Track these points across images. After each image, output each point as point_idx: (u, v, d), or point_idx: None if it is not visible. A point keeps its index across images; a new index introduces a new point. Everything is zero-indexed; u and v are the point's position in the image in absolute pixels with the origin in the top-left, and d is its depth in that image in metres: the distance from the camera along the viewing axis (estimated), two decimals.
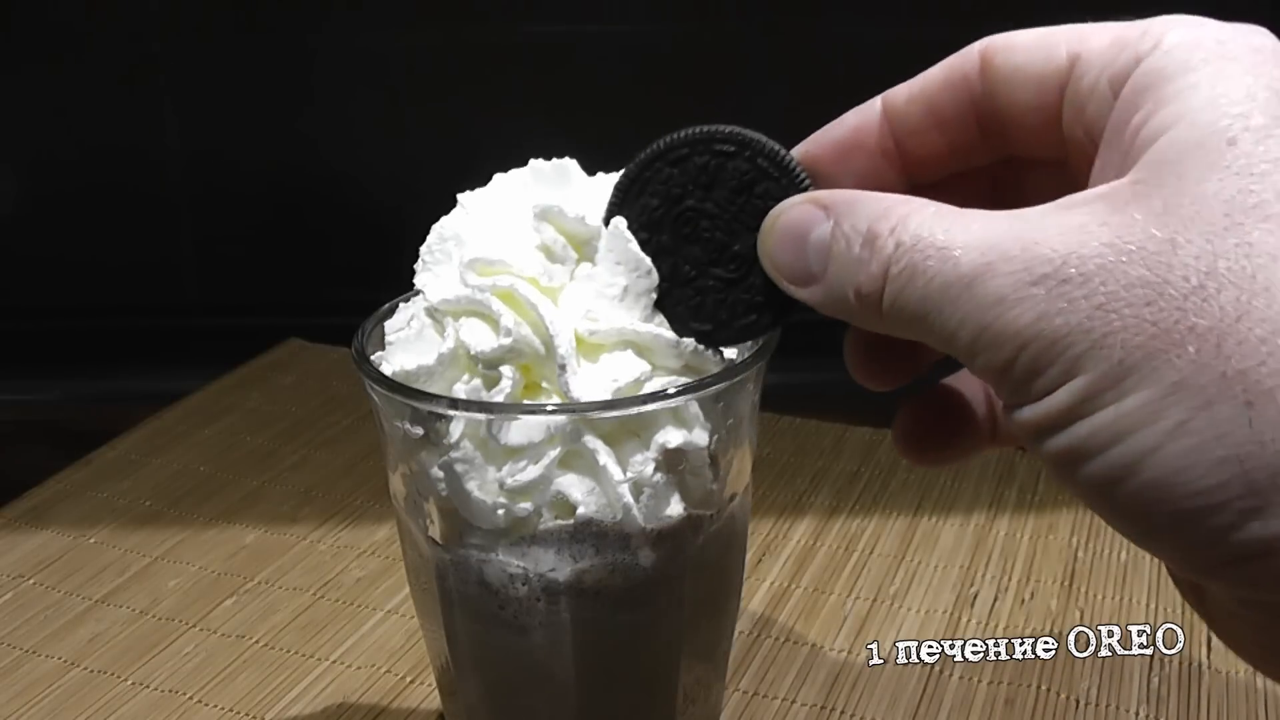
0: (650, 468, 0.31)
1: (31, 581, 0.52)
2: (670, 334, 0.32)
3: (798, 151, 0.31)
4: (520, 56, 0.75)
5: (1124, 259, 0.22)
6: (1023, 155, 0.30)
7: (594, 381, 0.31)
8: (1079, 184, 0.26)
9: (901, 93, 0.30)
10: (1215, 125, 0.23)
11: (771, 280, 0.30)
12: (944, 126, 0.29)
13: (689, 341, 0.32)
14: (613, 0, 0.74)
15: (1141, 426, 0.22)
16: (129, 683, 0.45)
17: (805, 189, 0.30)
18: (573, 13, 0.74)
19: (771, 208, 0.30)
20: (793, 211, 0.29)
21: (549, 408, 0.31)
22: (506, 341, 0.31)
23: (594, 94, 0.75)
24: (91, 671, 0.46)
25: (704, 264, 0.32)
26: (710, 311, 0.32)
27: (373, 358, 0.33)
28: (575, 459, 0.31)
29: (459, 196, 0.34)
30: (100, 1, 0.74)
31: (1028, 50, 0.28)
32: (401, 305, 0.35)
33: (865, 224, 0.26)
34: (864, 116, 0.30)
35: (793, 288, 0.29)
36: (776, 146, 0.31)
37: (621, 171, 0.33)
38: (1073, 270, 0.23)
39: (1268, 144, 0.23)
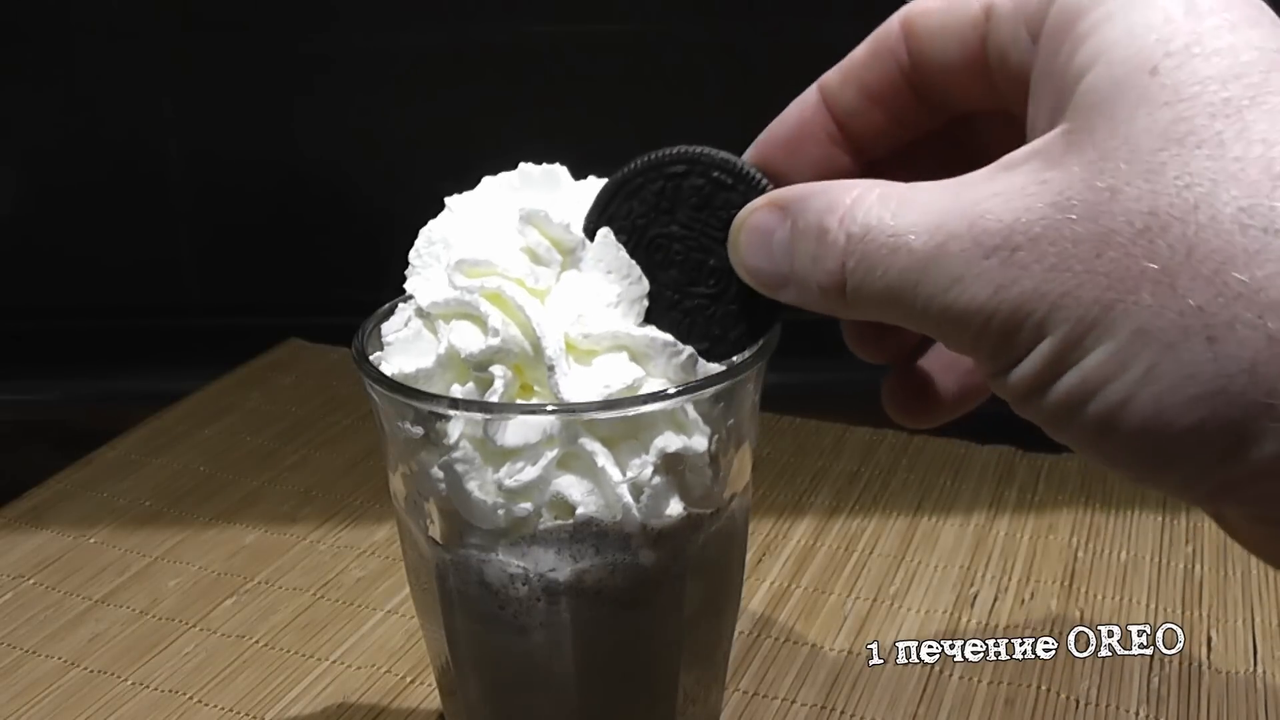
0: (649, 471, 0.31)
1: (31, 581, 0.52)
2: (665, 336, 0.32)
3: (749, 154, 0.31)
4: (521, 57, 0.75)
5: (1070, 216, 0.22)
6: (968, 112, 0.29)
7: (586, 385, 0.31)
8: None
9: (834, 76, 0.30)
10: (1135, 57, 0.23)
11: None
12: (880, 101, 0.29)
13: (687, 349, 0.32)
14: (611, 1, 0.74)
15: (1112, 378, 0.22)
16: (129, 683, 0.45)
17: (764, 190, 0.30)
18: (573, 13, 0.74)
19: (734, 216, 0.30)
20: (753, 218, 0.29)
21: (549, 408, 0.31)
22: (494, 342, 0.31)
23: (595, 95, 0.75)
24: (91, 671, 0.46)
25: (684, 285, 0.32)
26: (702, 330, 0.32)
27: (372, 358, 0.33)
28: (574, 460, 0.31)
29: (446, 200, 0.34)
30: (100, 1, 0.74)
31: (943, 10, 0.27)
32: (400, 306, 0.35)
33: (815, 219, 0.26)
34: (804, 107, 0.30)
35: (771, 292, 0.29)
36: (727, 156, 0.31)
37: (584, 214, 0.33)
38: (1020, 237, 0.23)
39: (1191, 64, 0.22)
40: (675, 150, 0.31)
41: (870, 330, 0.32)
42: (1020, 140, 0.25)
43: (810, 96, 0.30)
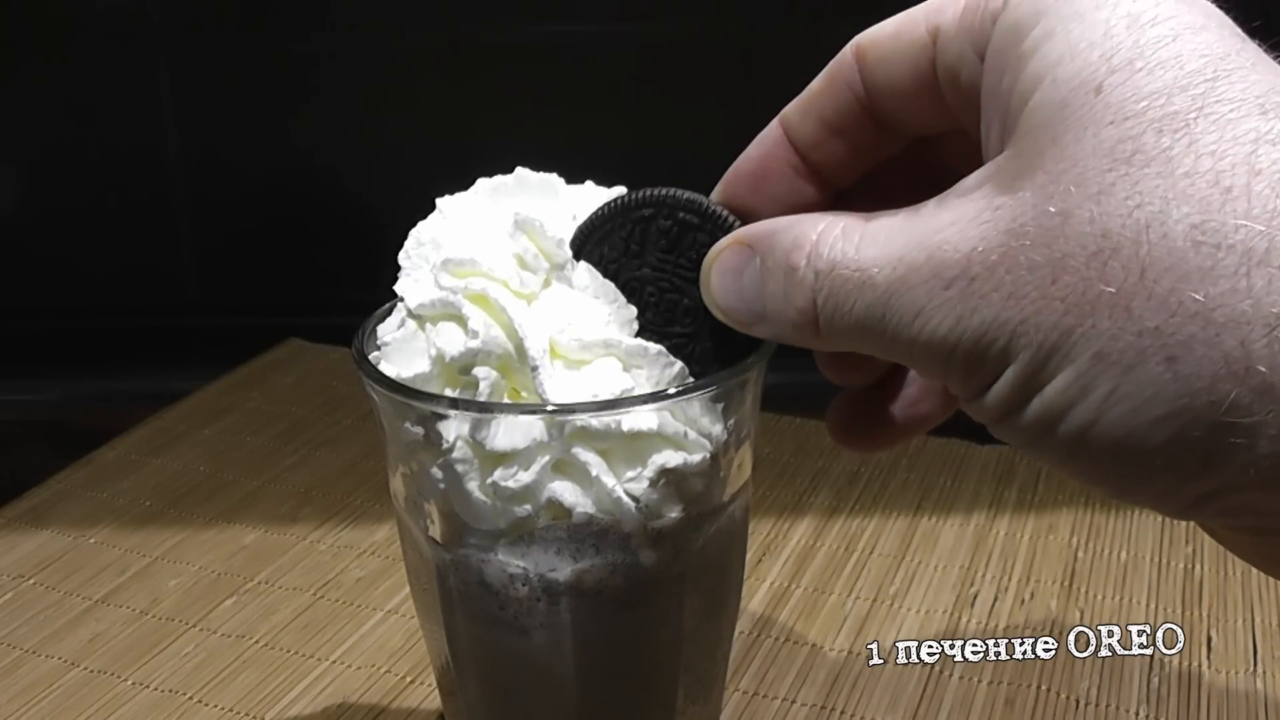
0: (645, 484, 0.31)
1: (31, 581, 0.52)
2: (658, 346, 0.32)
3: (717, 193, 0.31)
4: (522, 59, 0.75)
5: (1025, 243, 0.22)
6: (926, 134, 0.29)
7: (575, 390, 0.31)
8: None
9: (794, 110, 0.30)
10: (1078, 76, 0.23)
11: None
12: (840, 132, 0.29)
13: (679, 362, 0.32)
14: (611, 2, 0.74)
15: (1076, 403, 0.22)
16: (129, 683, 0.45)
17: (731, 228, 0.30)
18: (574, 15, 0.74)
19: (704, 256, 0.30)
20: (721, 257, 0.29)
21: (549, 407, 0.30)
22: (474, 344, 0.31)
23: (596, 97, 0.75)
24: (91, 671, 0.46)
25: (660, 327, 0.32)
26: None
27: (371, 358, 0.33)
28: (568, 467, 0.31)
29: (437, 201, 0.34)
30: (100, 2, 0.74)
31: (892, 38, 0.28)
32: (398, 306, 0.35)
33: (783, 257, 0.27)
34: (767, 142, 0.30)
35: (746, 328, 0.29)
36: (693, 196, 0.31)
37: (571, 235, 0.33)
38: (978, 267, 0.23)
39: (1134, 80, 0.22)
40: (641, 194, 0.32)
41: (845, 356, 0.32)
42: (981, 157, 0.25)
43: (772, 131, 0.30)
